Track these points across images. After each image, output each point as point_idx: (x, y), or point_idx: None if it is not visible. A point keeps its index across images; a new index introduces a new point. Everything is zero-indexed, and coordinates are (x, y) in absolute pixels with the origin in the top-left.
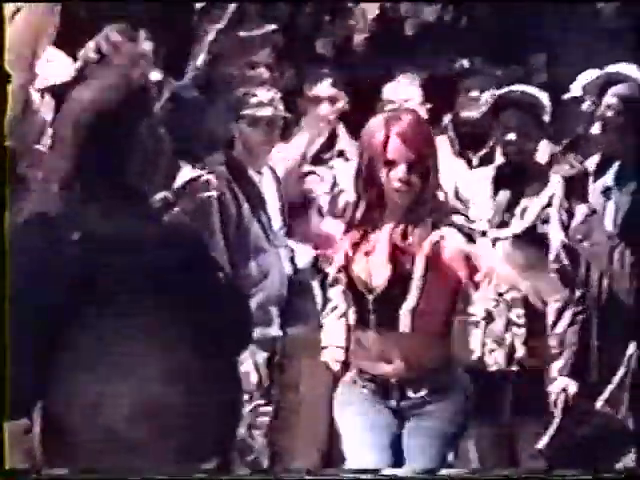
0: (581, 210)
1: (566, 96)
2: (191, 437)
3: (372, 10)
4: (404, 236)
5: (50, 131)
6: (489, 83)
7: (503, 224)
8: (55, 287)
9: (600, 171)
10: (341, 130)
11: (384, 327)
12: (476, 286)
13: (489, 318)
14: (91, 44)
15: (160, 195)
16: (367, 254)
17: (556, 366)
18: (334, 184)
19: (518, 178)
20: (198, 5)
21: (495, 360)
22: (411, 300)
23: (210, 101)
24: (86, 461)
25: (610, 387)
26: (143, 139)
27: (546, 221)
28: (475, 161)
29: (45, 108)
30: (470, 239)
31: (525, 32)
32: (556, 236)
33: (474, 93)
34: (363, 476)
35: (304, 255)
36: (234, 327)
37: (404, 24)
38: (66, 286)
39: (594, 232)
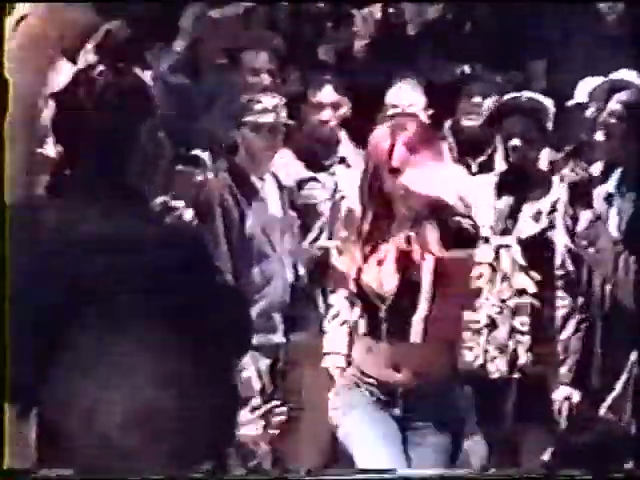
0: (586, 216)
1: (570, 102)
2: (185, 441)
3: (374, 16)
4: (410, 244)
5: (51, 135)
6: (490, 89)
7: (506, 231)
8: (52, 289)
9: (603, 178)
10: (343, 136)
11: (395, 337)
12: None
13: (492, 325)
14: (89, 46)
15: (160, 199)
16: (378, 264)
17: (559, 373)
18: (335, 191)
19: (521, 184)
20: None
21: (497, 367)
22: (422, 309)
23: (196, 86)
24: (81, 466)
25: (613, 394)
26: (144, 141)
27: (551, 227)
28: (474, 167)
29: (47, 113)
30: (472, 241)
31: (526, 38)
32: (561, 242)
33: (475, 99)
34: (362, 476)
35: (306, 261)
36: (232, 331)
37: (406, 29)
38: (64, 289)
39: (599, 238)
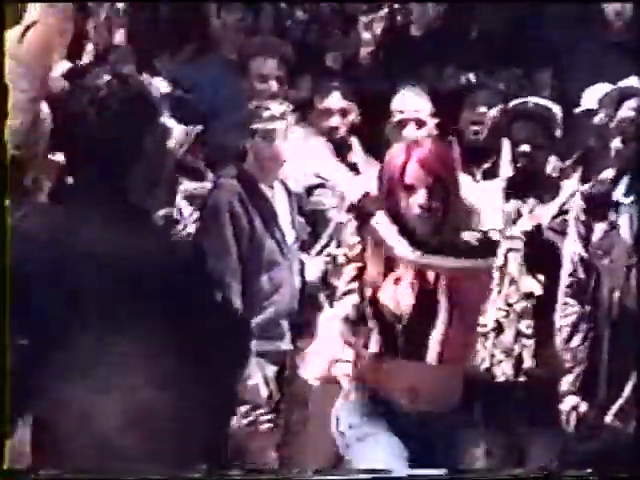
0: (601, 226)
1: (577, 109)
2: (182, 443)
3: (380, 22)
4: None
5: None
6: (495, 98)
7: (513, 234)
8: (50, 295)
9: (613, 185)
10: (355, 143)
11: (411, 357)
12: None
13: (499, 329)
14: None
15: (163, 211)
16: (395, 282)
17: (567, 381)
18: (344, 198)
19: (529, 189)
20: None
21: (503, 371)
22: (438, 330)
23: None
24: (77, 467)
25: (619, 402)
26: (147, 150)
27: (556, 230)
28: (478, 175)
29: (48, 117)
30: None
31: (532, 45)
32: (573, 250)
33: (480, 109)
34: (367, 475)
35: (314, 269)
36: (228, 339)
37: (411, 36)
38: (62, 295)
39: (614, 248)
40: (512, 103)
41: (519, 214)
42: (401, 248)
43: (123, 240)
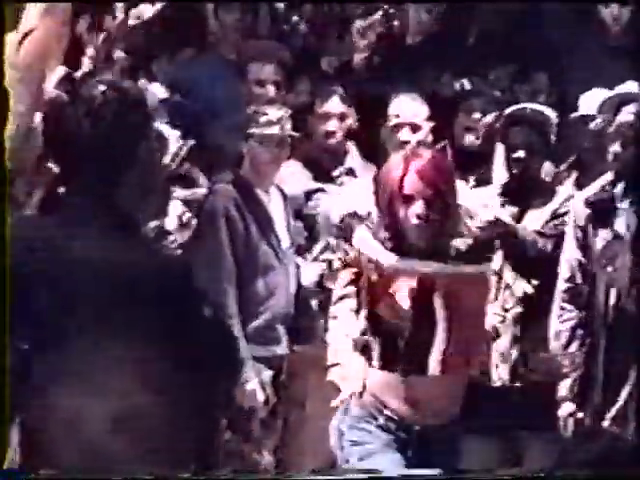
0: (604, 235)
1: (574, 115)
2: (171, 446)
3: (374, 27)
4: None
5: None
6: (490, 105)
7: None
8: (43, 306)
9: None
10: (352, 148)
11: (413, 369)
12: None
13: (495, 334)
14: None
15: (153, 224)
16: (392, 295)
17: (564, 386)
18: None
19: (524, 195)
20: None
21: (499, 376)
22: (439, 340)
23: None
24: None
25: (616, 406)
26: (140, 160)
27: (547, 235)
28: (472, 182)
29: (39, 126)
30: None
31: (529, 50)
32: (571, 255)
33: (474, 115)
34: (363, 475)
35: (309, 272)
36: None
37: (406, 41)
38: (55, 304)
39: (618, 257)
40: (509, 109)
41: (514, 220)
42: (385, 257)
43: (115, 249)
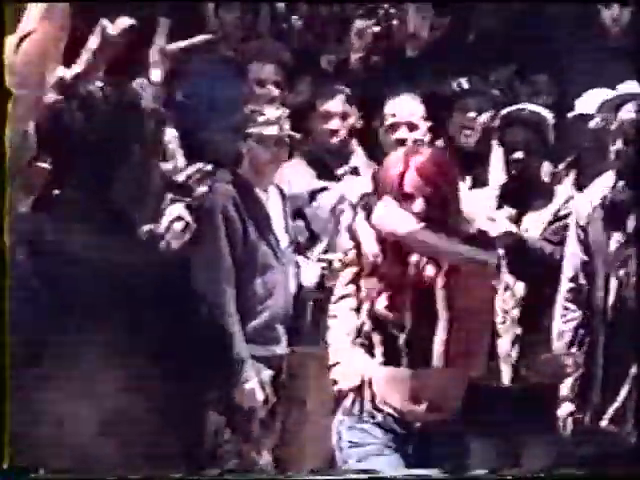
0: (617, 237)
1: (571, 114)
2: (159, 447)
3: (372, 27)
4: (425, 270)
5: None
6: (486, 103)
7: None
8: (31, 304)
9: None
10: (356, 146)
11: (416, 364)
12: None
13: (495, 335)
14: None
15: (148, 227)
16: (394, 291)
17: (565, 386)
18: (340, 201)
19: (522, 196)
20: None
21: (501, 377)
22: (441, 332)
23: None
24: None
25: (614, 406)
26: (135, 163)
27: (550, 240)
28: (469, 182)
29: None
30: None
31: (529, 51)
32: (575, 255)
33: (470, 114)
34: (363, 476)
35: (310, 272)
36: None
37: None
38: (43, 303)
39: (631, 260)
40: (506, 110)
41: (512, 221)
42: (408, 223)
43: (108, 249)
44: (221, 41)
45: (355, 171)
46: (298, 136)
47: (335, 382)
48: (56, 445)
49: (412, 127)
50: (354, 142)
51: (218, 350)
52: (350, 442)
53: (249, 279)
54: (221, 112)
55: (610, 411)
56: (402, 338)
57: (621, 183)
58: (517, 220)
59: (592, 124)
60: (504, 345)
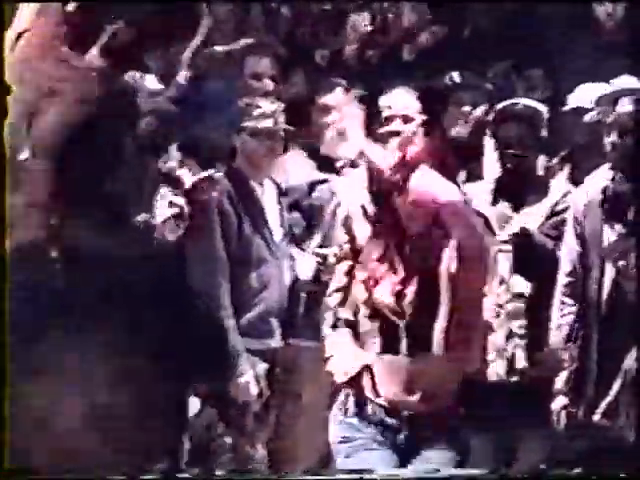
0: (618, 229)
1: (565, 107)
2: (140, 441)
3: (366, 21)
4: (425, 258)
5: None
6: (480, 97)
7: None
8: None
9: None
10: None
11: (416, 351)
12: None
13: (489, 329)
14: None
15: (142, 216)
16: (392, 281)
17: (560, 380)
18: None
19: (517, 191)
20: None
21: (495, 371)
22: (442, 320)
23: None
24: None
25: (607, 400)
26: (127, 155)
27: (548, 234)
28: (463, 176)
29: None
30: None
31: (524, 45)
32: (572, 249)
33: (464, 108)
34: (355, 476)
35: (305, 266)
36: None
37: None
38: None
39: (630, 253)
40: (501, 104)
41: (508, 215)
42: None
43: (102, 242)
44: (215, 35)
45: (354, 164)
46: (293, 129)
47: (331, 375)
48: (45, 440)
49: (407, 120)
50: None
51: (213, 343)
52: (341, 437)
53: (244, 273)
54: (216, 106)
55: (603, 405)
56: (402, 325)
57: (619, 175)
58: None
59: (587, 118)
60: (499, 339)
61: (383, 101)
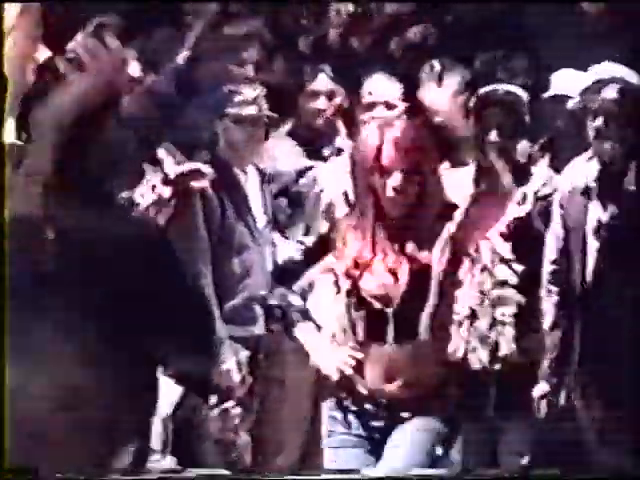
0: (612, 210)
1: (547, 94)
2: (108, 424)
3: (348, 7)
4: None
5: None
6: (462, 84)
7: None
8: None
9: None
10: (341, 127)
11: (403, 338)
12: None
13: (473, 316)
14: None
15: (125, 194)
16: (376, 268)
17: (542, 366)
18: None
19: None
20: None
21: (479, 358)
22: (429, 307)
23: (188, 100)
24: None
25: (587, 387)
26: (111, 136)
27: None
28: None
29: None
30: None
31: (506, 32)
32: (557, 236)
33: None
34: (344, 476)
35: (287, 253)
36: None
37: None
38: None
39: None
40: (482, 90)
41: None
42: None
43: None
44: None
45: (340, 152)
46: (277, 116)
47: (315, 366)
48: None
49: (389, 106)
50: (340, 122)
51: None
52: (328, 431)
53: (226, 259)
54: (198, 92)
55: (582, 392)
56: (390, 312)
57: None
58: None
59: (570, 104)
60: (482, 326)
61: (365, 87)
